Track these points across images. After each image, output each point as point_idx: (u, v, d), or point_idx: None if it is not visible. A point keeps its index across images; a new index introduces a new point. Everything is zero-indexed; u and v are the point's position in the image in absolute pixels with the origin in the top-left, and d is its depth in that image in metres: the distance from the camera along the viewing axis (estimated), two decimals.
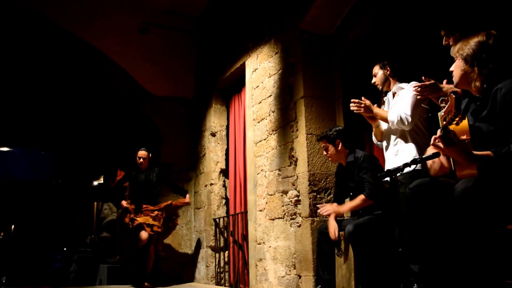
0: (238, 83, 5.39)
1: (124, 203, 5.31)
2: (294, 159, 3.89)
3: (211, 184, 5.66)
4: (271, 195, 4.17)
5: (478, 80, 1.98)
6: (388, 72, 3.05)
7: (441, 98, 1.99)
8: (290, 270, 3.81)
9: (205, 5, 6.11)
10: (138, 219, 5.11)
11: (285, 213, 3.93)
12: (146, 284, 5.04)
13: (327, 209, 3.22)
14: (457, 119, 1.75)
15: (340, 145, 3.26)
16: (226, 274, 5.25)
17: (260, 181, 4.39)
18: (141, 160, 5.44)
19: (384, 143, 3.07)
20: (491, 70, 1.94)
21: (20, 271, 10.98)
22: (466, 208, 1.78)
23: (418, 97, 2.63)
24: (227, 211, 5.53)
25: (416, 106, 2.80)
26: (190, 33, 6.42)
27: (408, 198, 2.04)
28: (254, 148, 4.59)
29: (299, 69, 3.92)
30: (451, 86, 2.34)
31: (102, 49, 5.90)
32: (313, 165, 3.72)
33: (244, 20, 5.08)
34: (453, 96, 1.83)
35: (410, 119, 2.77)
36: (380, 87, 3.10)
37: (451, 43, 2.43)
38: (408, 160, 2.20)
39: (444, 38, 2.49)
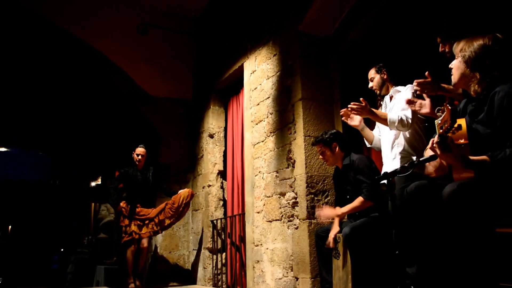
0: (236, 85, 5.38)
1: (122, 204, 5.25)
2: (291, 161, 3.88)
3: (209, 186, 5.65)
4: (269, 197, 4.17)
5: (479, 86, 1.95)
6: (385, 76, 3.05)
7: (437, 108, 1.99)
8: (287, 272, 3.80)
9: (204, 6, 6.12)
10: (133, 228, 5.10)
11: (282, 215, 3.93)
12: (131, 282, 4.99)
13: (326, 214, 3.24)
14: (453, 129, 1.76)
15: (337, 148, 3.26)
16: (224, 276, 5.24)
17: (258, 183, 4.39)
18: (139, 157, 5.33)
19: (382, 148, 3.07)
20: (494, 78, 1.90)
21: (17, 272, 10.96)
22: (454, 211, 1.78)
23: (418, 92, 2.61)
24: (225, 213, 5.53)
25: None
26: (189, 35, 6.42)
27: (406, 200, 2.04)
28: (252, 150, 4.59)
29: (297, 71, 3.92)
30: (451, 87, 2.34)
31: (101, 49, 5.89)
32: (310, 167, 3.72)
33: (242, 22, 5.09)
34: (449, 107, 1.83)
35: (410, 121, 2.78)
36: (378, 92, 3.11)
37: (447, 50, 2.41)
38: (406, 163, 2.19)
39: (440, 45, 2.47)
